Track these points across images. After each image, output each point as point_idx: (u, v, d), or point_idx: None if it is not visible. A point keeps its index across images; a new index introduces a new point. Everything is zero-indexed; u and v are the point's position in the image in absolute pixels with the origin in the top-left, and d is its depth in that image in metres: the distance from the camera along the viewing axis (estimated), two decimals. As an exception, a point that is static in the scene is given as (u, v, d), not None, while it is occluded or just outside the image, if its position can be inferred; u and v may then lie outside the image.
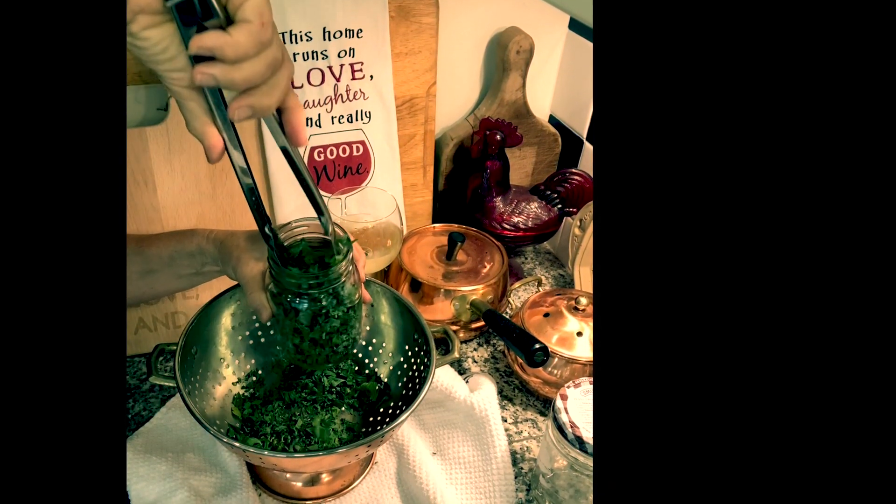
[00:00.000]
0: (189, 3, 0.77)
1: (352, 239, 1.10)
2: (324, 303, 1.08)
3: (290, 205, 1.58)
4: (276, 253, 1.05)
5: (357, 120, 1.63)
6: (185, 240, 1.26)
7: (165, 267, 1.27)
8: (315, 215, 1.05)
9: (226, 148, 0.93)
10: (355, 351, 1.45)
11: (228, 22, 0.79)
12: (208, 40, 0.78)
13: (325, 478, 1.33)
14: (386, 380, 1.42)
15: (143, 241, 1.29)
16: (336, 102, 1.59)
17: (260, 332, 1.42)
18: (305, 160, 1.61)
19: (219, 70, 0.80)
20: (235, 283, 1.24)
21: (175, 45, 0.80)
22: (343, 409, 1.38)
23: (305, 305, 1.07)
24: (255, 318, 1.40)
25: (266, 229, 1.03)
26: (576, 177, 1.84)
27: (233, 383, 1.38)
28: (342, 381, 1.41)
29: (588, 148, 1.90)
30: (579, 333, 1.48)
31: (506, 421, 1.50)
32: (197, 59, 0.80)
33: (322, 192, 1.60)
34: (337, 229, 1.08)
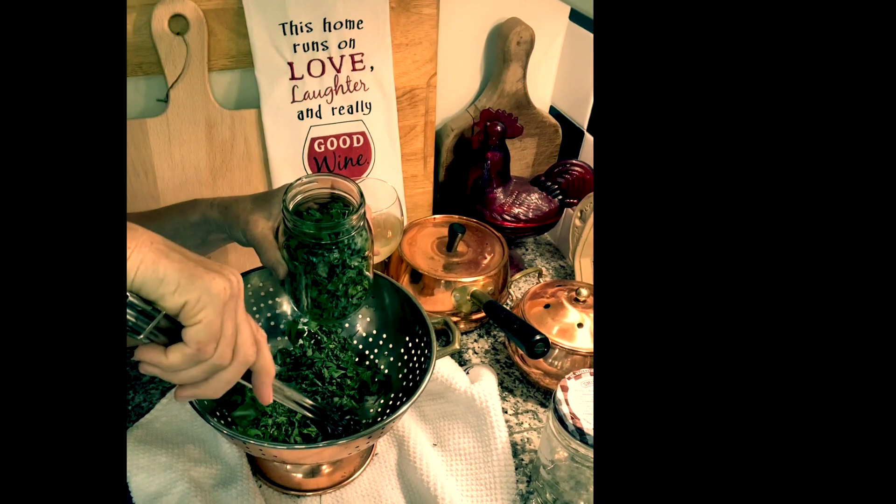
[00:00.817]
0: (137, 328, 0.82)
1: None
2: (339, 254, 1.10)
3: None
4: (287, 209, 1.08)
5: (357, 111, 1.63)
6: (188, 210, 1.26)
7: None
8: (321, 174, 1.09)
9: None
10: (355, 342, 1.46)
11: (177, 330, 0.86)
12: (146, 355, 0.86)
13: (326, 469, 1.33)
14: (386, 371, 1.42)
15: (143, 217, 1.29)
16: (336, 93, 1.58)
17: (261, 322, 1.41)
18: (306, 151, 1.61)
19: (159, 371, 0.88)
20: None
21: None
22: (344, 400, 1.38)
23: (323, 257, 1.09)
24: (255, 308, 1.40)
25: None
26: (576, 168, 1.84)
27: (233, 374, 1.38)
28: (342, 372, 1.41)
29: (589, 139, 1.89)
30: (580, 325, 1.48)
31: (506, 412, 1.50)
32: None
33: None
34: (349, 183, 1.12)
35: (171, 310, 0.82)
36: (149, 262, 0.79)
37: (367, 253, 1.15)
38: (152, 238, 0.83)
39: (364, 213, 1.11)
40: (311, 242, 1.09)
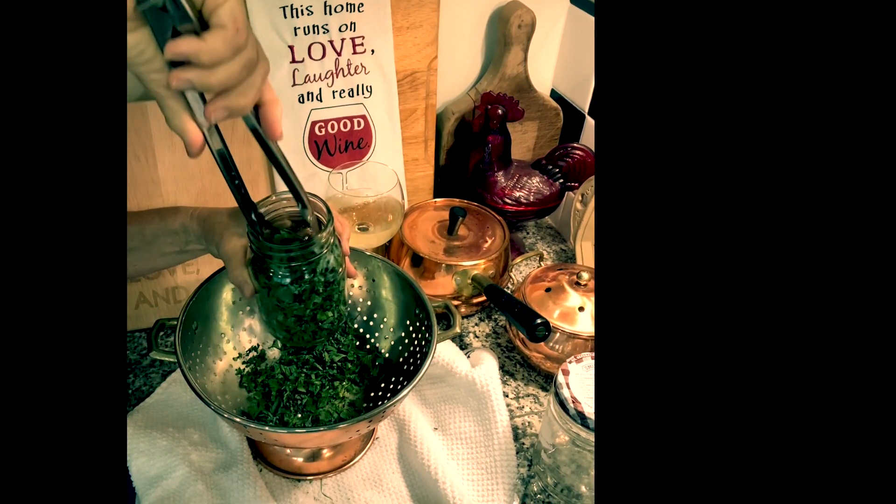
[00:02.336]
0: (162, 7, 0.77)
1: (335, 214, 1.09)
2: (306, 277, 1.06)
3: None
4: (255, 223, 1.04)
5: (358, 94, 1.62)
6: (169, 217, 1.25)
7: (147, 245, 1.26)
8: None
9: (206, 142, 0.92)
10: (356, 326, 1.45)
11: (202, 25, 0.80)
12: (183, 46, 0.79)
13: (326, 453, 1.34)
14: (387, 355, 1.42)
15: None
16: (337, 77, 1.58)
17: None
18: (306, 134, 1.60)
19: (194, 74, 0.81)
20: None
21: (151, 48, 0.80)
22: (344, 384, 1.38)
23: (288, 280, 1.06)
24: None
25: (252, 216, 1.03)
26: (577, 151, 1.84)
27: (233, 358, 1.38)
28: (343, 356, 1.41)
29: (590, 122, 1.89)
30: (581, 308, 1.48)
31: (507, 396, 1.50)
32: (173, 64, 0.81)
33: (323, 167, 1.60)
34: (318, 202, 1.08)
35: None
36: None
37: (336, 278, 1.11)
38: None
39: (332, 231, 1.07)
40: (274, 268, 1.06)
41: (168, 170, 1.47)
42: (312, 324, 1.13)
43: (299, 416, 1.32)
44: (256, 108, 0.95)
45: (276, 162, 0.98)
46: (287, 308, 1.10)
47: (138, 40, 0.79)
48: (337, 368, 1.40)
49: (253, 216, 1.02)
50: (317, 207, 1.08)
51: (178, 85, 0.81)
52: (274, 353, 1.42)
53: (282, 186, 1.51)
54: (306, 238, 1.06)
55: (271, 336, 1.42)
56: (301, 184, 1.03)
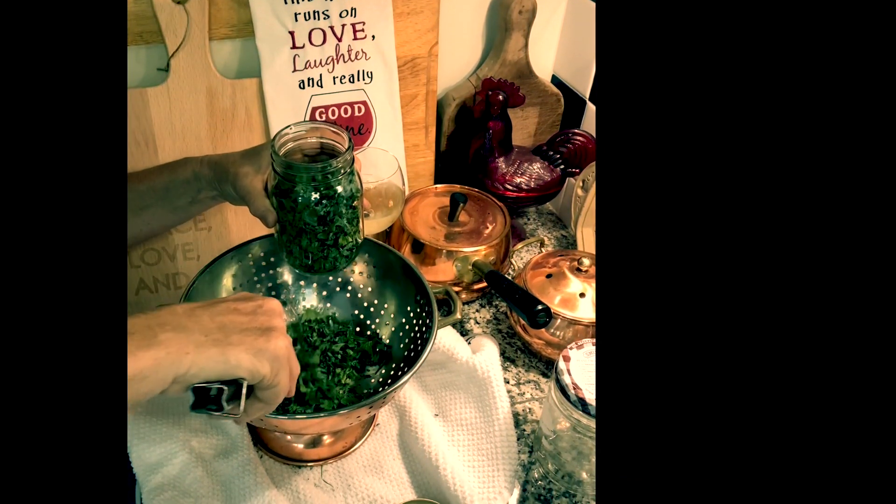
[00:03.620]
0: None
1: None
2: (330, 194, 1.10)
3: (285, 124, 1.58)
4: (276, 153, 1.08)
5: (359, 80, 1.62)
6: (179, 168, 1.26)
7: (160, 200, 1.27)
8: (310, 122, 1.09)
9: None
10: (356, 312, 1.45)
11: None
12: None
13: (327, 440, 1.34)
14: (388, 341, 1.42)
15: (133, 177, 1.29)
16: (338, 62, 1.58)
17: (262, 294, 1.41)
18: (307, 119, 1.60)
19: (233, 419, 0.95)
20: (235, 245, 1.25)
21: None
22: (345, 370, 1.38)
23: (312, 198, 1.09)
24: (256, 279, 1.40)
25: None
26: (578, 137, 1.83)
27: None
28: (343, 343, 1.41)
29: (591, 108, 1.89)
30: (582, 294, 1.48)
31: (508, 382, 1.50)
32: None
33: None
34: (335, 132, 1.13)
35: (249, 382, 0.90)
36: (215, 355, 0.86)
37: (355, 203, 1.14)
38: (203, 328, 0.89)
39: (352, 159, 1.11)
40: (301, 188, 1.08)
41: (168, 156, 1.47)
42: (334, 249, 1.16)
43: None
44: None
45: None
46: (311, 231, 1.13)
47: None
48: (339, 357, 1.40)
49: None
50: (336, 137, 1.14)
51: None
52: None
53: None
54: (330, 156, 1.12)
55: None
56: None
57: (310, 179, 1.08)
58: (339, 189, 1.10)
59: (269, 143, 1.13)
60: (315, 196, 1.08)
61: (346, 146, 1.10)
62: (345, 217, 1.12)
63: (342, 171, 1.09)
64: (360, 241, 1.20)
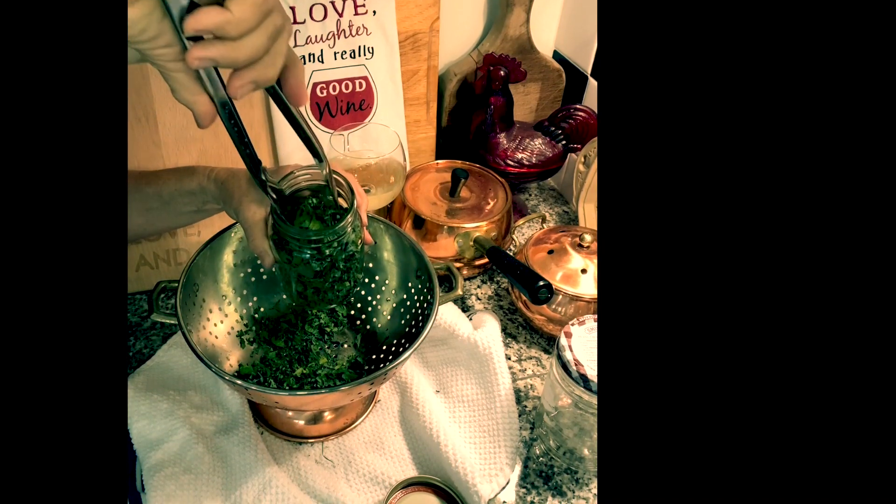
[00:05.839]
0: None
1: (351, 181, 1.09)
2: (327, 253, 1.07)
3: (292, 143, 1.57)
4: (276, 201, 1.04)
5: (360, 55, 1.61)
6: (186, 178, 1.24)
7: (165, 205, 1.26)
8: (316, 167, 1.03)
9: (217, 111, 0.86)
10: (358, 288, 1.45)
11: None
12: (206, 20, 0.72)
13: (328, 416, 1.34)
14: (389, 317, 1.42)
15: (141, 178, 1.27)
16: (339, 38, 1.57)
17: (262, 270, 1.41)
18: (308, 96, 1.59)
19: (218, 51, 0.75)
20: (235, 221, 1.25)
21: (155, 23, 0.73)
22: (346, 346, 1.38)
23: (308, 256, 1.07)
24: (248, 261, 1.40)
25: (262, 176, 1.00)
26: (580, 113, 1.83)
27: (235, 321, 1.38)
28: (345, 324, 1.42)
29: (592, 83, 1.88)
30: (583, 270, 1.48)
31: (509, 359, 1.50)
32: (189, 38, 0.75)
33: (324, 129, 1.60)
34: (338, 177, 1.07)
35: None
36: None
37: (356, 249, 1.12)
38: None
39: (353, 219, 1.07)
40: (294, 245, 1.07)
41: (169, 131, 1.47)
42: (330, 293, 1.14)
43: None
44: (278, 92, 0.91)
45: (297, 126, 0.96)
46: (307, 282, 1.12)
47: (140, 16, 0.72)
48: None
49: (262, 176, 1.00)
50: (341, 187, 1.09)
51: (199, 65, 0.75)
52: (276, 314, 1.42)
53: (284, 149, 1.50)
54: (329, 220, 1.08)
55: (271, 299, 1.43)
56: (322, 146, 1.01)
57: (307, 243, 1.06)
58: (340, 245, 1.08)
59: (277, 170, 1.10)
60: (311, 255, 1.07)
61: (349, 201, 1.07)
62: (342, 269, 1.11)
63: (342, 233, 1.07)
64: (358, 282, 1.19)
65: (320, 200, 1.09)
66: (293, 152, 1.57)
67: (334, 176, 1.06)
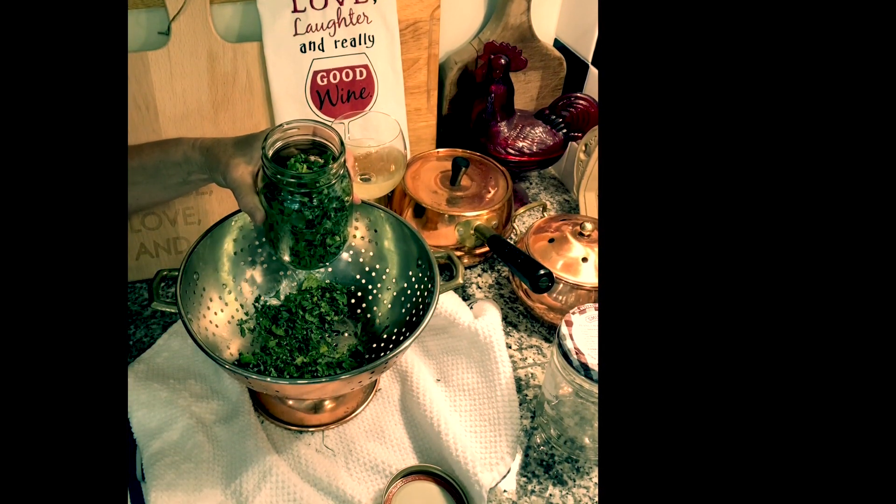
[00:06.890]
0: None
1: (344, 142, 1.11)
2: (316, 202, 1.08)
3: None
4: (266, 156, 1.06)
5: (360, 44, 1.61)
6: (171, 149, 1.25)
7: (150, 178, 1.26)
8: (304, 118, 1.06)
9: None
10: (357, 276, 1.45)
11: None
12: None
13: (328, 405, 1.34)
14: (389, 306, 1.42)
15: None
16: (339, 26, 1.57)
17: (262, 258, 1.41)
18: (308, 84, 1.60)
19: None
20: (237, 209, 1.24)
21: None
22: (347, 335, 1.38)
23: (297, 206, 1.08)
24: (257, 243, 1.40)
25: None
26: (581, 101, 1.83)
27: (235, 310, 1.38)
28: (345, 312, 1.41)
29: (593, 72, 1.88)
30: (584, 259, 1.48)
31: (510, 347, 1.50)
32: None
33: (325, 117, 1.60)
34: (328, 131, 1.10)
35: None
36: None
37: (345, 205, 1.13)
38: None
39: (344, 161, 1.09)
40: (290, 191, 1.07)
41: (169, 120, 1.47)
42: (321, 248, 1.15)
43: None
44: None
45: None
46: (299, 233, 1.12)
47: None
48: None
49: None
50: (329, 136, 1.12)
51: None
52: (276, 303, 1.42)
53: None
54: (323, 164, 1.10)
55: (271, 288, 1.43)
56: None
57: (298, 186, 1.07)
58: (330, 194, 1.09)
59: (261, 133, 1.12)
60: (302, 202, 1.08)
61: (338, 149, 1.09)
62: (332, 220, 1.11)
63: (332, 178, 1.08)
64: (347, 237, 1.20)
65: (308, 156, 1.12)
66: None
67: (325, 128, 1.11)
